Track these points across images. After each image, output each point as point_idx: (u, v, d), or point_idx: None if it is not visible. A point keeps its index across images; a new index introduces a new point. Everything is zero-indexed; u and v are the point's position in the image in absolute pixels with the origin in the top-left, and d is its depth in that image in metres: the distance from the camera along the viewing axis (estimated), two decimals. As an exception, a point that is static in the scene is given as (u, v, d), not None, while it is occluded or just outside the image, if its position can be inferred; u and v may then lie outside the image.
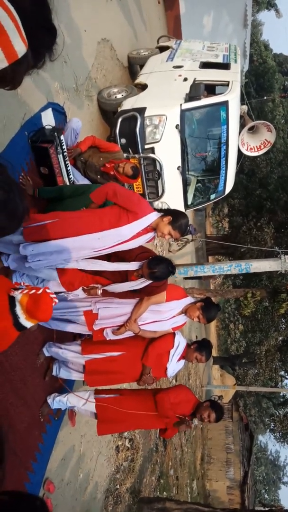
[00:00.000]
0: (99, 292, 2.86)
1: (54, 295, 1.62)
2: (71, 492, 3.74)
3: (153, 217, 2.73)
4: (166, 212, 2.80)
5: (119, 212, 2.65)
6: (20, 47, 0.99)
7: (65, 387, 3.32)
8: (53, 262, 2.66)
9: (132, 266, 2.79)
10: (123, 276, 2.84)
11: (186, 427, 3.16)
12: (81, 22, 4.85)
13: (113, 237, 2.65)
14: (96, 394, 3.24)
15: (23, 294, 1.53)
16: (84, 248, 2.65)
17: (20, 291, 1.54)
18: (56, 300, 1.63)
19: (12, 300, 1.51)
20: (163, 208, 5.23)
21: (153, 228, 2.77)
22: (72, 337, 3.42)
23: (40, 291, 1.56)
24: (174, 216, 2.75)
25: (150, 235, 2.81)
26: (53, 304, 1.61)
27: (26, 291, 1.54)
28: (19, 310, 1.51)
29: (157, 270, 2.70)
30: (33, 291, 1.54)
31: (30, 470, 2.99)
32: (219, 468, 15.33)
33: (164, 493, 7.56)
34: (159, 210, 2.85)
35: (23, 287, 1.58)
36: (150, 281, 2.77)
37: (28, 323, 1.55)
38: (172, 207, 4.94)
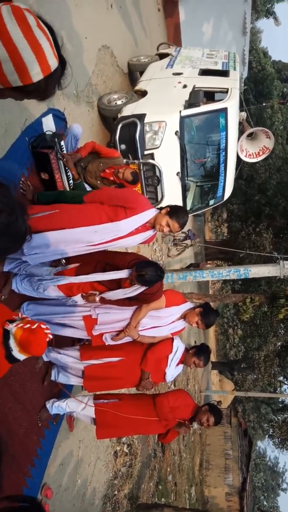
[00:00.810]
0: (97, 299, 2.87)
1: (49, 331, 1.61)
2: (69, 498, 3.73)
3: (152, 213, 2.74)
4: (166, 206, 2.82)
5: (117, 208, 2.66)
6: (53, 62, 1.12)
7: (65, 391, 3.32)
8: (49, 256, 2.66)
9: (124, 274, 2.78)
10: (118, 284, 2.85)
11: (185, 429, 3.16)
12: (82, 29, 4.91)
13: (110, 231, 2.65)
14: (95, 399, 3.24)
15: (17, 328, 1.52)
16: (81, 241, 2.65)
17: (15, 324, 1.53)
18: (51, 336, 1.62)
19: (6, 333, 1.51)
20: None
21: (153, 226, 2.77)
22: (71, 342, 3.42)
23: (35, 325, 1.54)
24: (172, 208, 2.76)
25: (150, 233, 2.81)
26: (47, 339, 1.60)
27: (21, 324, 1.53)
28: (12, 343, 1.50)
29: (145, 272, 2.66)
30: (28, 325, 1.53)
31: (28, 475, 2.98)
32: (217, 474, 15.25)
33: (162, 499, 7.51)
34: (159, 208, 2.87)
35: (20, 318, 1.57)
36: (143, 288, 2.74)
37: (20, 356, 1.55)
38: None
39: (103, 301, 2.88)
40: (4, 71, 1.05)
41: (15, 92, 1.11)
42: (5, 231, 1.07)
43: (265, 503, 33.78)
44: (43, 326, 1.58)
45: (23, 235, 1.14)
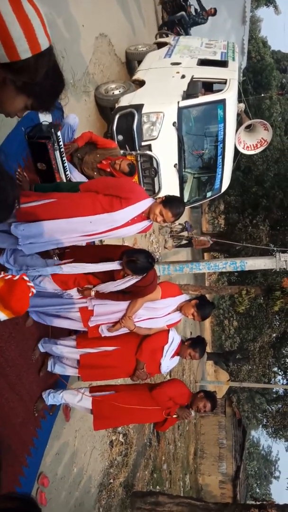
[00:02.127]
0: (93, 293, 2.87)
1: (32, 284, 1.51)
2: (65, 486, 3.78)
3: (147, 203, 2.72)
4: (162, 196, 2.81)
5: (112, 198, 2.64)
6: (44, 41, 1.06)
7: (62, 380, 3.35)
8: (44, 245, 2.65)
9: (116, 265, 2.77)
10: (113, 277, 2.85)
11: (187, 413, 3.21)
12: (80, 17, 4.83)
13: (105, 221, 2.63)
14: (92, 392, 3.27)
15: None
16: (75, 231, 2.63)
17: None
18: (34, 290, 1.51)
19: None
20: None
21: (149, 216, 2.75)
22: (68, 333, 3.43)
23: (17, 277, 1.46)
24: (167, 197, 2.75)
25: (146, 223, 2.80)
26: (30, 294, 1.49)
27: (1, 276, 1.45)
28: None
29: (135, 258, 2.65)
30: (9, 276, 1.45)
31: (24, 465, 3.02)
32: (211, 463, 15.49)
33: (157, 487, 7.64)
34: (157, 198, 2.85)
35: (1, 275, 1.47)
36: (135, 280, 2.74)
37: (1, 315, 1.45)
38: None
39: (99, 295, 2.88)
40: None
41: (5, 71, 1.06)
42: None
43: (258, 490, 34.45)
44: (25, 278, 1.48)
45: (10, 204, 1.11)
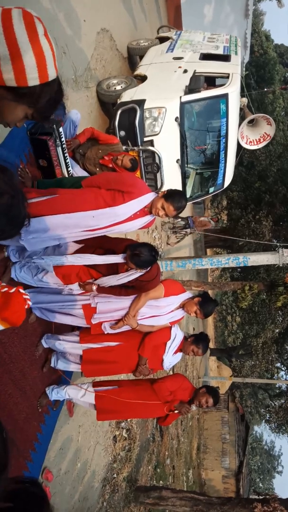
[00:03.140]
0: (94, 288, 2.87)
1: (28, 297, 1.52)
2: (69, 481, 3.81)
3: (150, 197, 2.72)
4: (164, 191, 2.80)
5: (114, 193, 2.64)
6: (52, 72, 1.13)
7: (64, 377, 3.36)
8: (47, 240, 2.65)
9: (119, 258, 2.76)
10: (115, 270, 2.84)
11: (186, 409, 3.22)
12: (81, 12, 4.80)
13: (108, 216, 2.63)
14: (95, 387, 3.28)
15: None
16: (78, 226, 2.64)
17: None
18: (29, 302, 1.53)
19: None
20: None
21: (151, 210, 2.75)
22: (71, 329, 3.44)
23: (13, 290, 1.47)
24: (169, 191, 2.74)
25: (148, 218, 2.79)
26: (26, 306, 1.51)
27: None
28: None
29: (138, 251, 2.65)
30: (6, 289, 1.47)
31: (28, 460, 3.04)
32: (214, 458, 15.57)
33: (161, 482, 7.68)
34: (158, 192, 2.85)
35: None
36: (138, 274, 2.74)
37: None
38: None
39: (101, 290, 2.88)
40: (1, 67, 1.05)
41: (7, 92, 1.11)
42: (5, 213, 1.08)
43: (260, 485, 34.62)
44: (21, 290, 1.50)
45: (21, 220, 1.15)
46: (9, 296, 1.46)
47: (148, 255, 2.68)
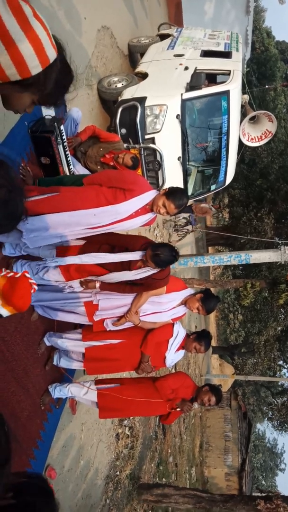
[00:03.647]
0: (97, 285, 2.86)
1: (34, 281, 1.52)
2: (72, 478, 3.82)
3: (151, 195, 2.71)
4: (165, 188, 2.79)
5: (115, 191, 2.63)
6: (51, 53, 1.08)
7: (67, 375, 3.37)
8: (48, 238, 2.64)
9: (137, 255, 2.76)
10: (126, 267, 2.83)
11: (188, 407, 3.22)
12: (81, 9, 4.78)
13: (109, 214, 2.63)
14: (97, 384, 3.28)
15: (0, 276, 1.44)
16: (79, 224, 2.63)
17: None
18: (35, 287, 1.52)
19: None
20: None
21: (152, 208, 2.75)
22: (73, 327, 3.45)
23: (19, 275, 1.47)
24: (170, 189, 2.74)
25: (150, 215, 2.79)
26: (32, 291, 1.50)
27: (3, 273, 1.46)
28: None
29: (160, 252, 2.65)
30: (11, 274, 1.46)
31: (32, 457, 3.05)
32: (217, 456, 15.58)
33: (163, 479, 7.70)
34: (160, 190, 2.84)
35: (4, 272, 1.48)
36: (152, 271, 2.74)
37: (4, 311, 1.45)
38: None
39: (105, 287, 2.87)
40: (2, 64, 1.01)
41: (13, 86, 1.07)
42: (2, 207, 1.06)
43: (263, 482, 34.68)
44: (27, 275, 1.49)
45: (18, 216, 1.13)
46: (15, 281, 1.45)
47: (169, 255, 2.69)
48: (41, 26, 1.04)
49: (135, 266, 2.80)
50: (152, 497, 5.70)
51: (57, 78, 1.15)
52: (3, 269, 1.48)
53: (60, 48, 1.15)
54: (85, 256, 2.74)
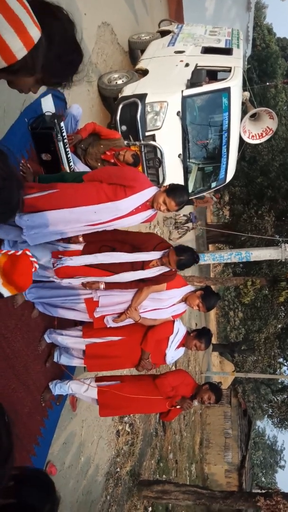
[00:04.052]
0: (102, 286, 2.85)
1: (35, 259, 1.52)
2: (72, 475, 3.83)
3: (152, 191, 2.71)
4: (166, 185, 2.79)
5: (116, 187, 2.63)
6: (35, 32, 1.00)
7: (67, 372, 3.37)
8: (48, 235, 2.64)
9: (153, 255, 2.79)
10: (137, 267, 2.83)
11: (188, 405, 3.23)
12: (81, 5, 4.76)
13: (110, 211, 2.63)
14: (97, 382, 3.29)
15: (1, 255, 1.44)
16: (79, 221, 2.63)
17: None
18: (36, 265, 1.51)
19: None
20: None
21: (153, 205, 2.75)
22: (73, 324, 3.45)
23: (20, 252, 1.46)
24: (171, 185, 2.74)
25: (150, 212, 2.79)
26: (33, 269, 1.49)
27: (4, 251, 1.46)
28: None
29: (185, 257, 2.74)
30: (12, 252, 1.46)
31: (32, 453, 3.06)
32: (217, 452, 15.62)
33: (164, 476, 7.73)
34: (159, 186, 2.84)
35: (4, 250, 1.49)
36: (165, 270, 2.81)
37: (4, 290, 1.44)
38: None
39: (109, 286, 2.87)
40: None
41: (1, 74, 1.02)
42: None
43: (263, 479, 34.80)
44: (28, 253, 1.48)
45: (14, 206, 1.08)
46: (16, 259, 1.44)
47: (191, 259, 2.79)
48: (20, 5, 0.96)
49: (149, 265, 2.82)
50: (152, 494, 5.72)
51: (60, 54, 1.08)
52: (3, 248, 1.48)
53: (69, 23, 1.09)
54: (102, 255, 2.75)
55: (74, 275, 2.83)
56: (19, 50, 0.98)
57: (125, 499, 5.34)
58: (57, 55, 1.08)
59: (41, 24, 1.03)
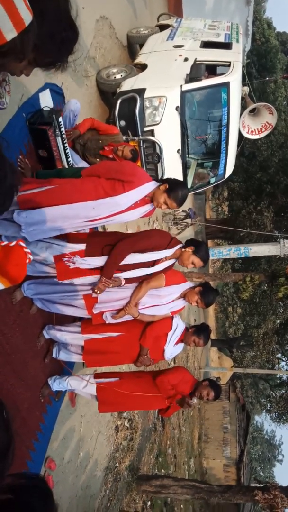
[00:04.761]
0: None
1: (29, 251, 1.46)
2: (71, 470, 3.85)
3: (150, 186, 2.70)
4: (164, 180, 2.77)
5: (114, 182, 2.61)
6: (26, 15, 0.96)
7: (66, 368, 3.37)
8: (47, 231, 2.63)
9: (167, 253, 2.82)
10: (149, 265, 2.84)
11: (187, 405, 3.24)
12: (79, -1, 4.72)
13: (108, 206, 2.61)
14: (96, 378, 3.29)
15: None
16: (78, 217, 2.62)
17: None
18: (31, 257, 1.45)
19: None
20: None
21: (151, 199, 2.74)
22: (72, 320, 3.44)
23: (13, 243, 1.41)
24: (171, 184, 2.72)
25: (148, 207, 2.78)
26: (27, 260, 1.43)
27: None
28: None
29: (204, 252, 2.91)
30: (5, 243, 1.41)
31: (31, 449, 3.07)
32: (216, 447, 15.72)
33: (162, 470, 7.77)
34: (159, 180, 2.82)
35: None
36: (173, 262, 2.91)
37: None
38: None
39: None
40: None
41: None
42: None
43: (261, 473, 35.07)
44: (22, 244, 1.43)
45: (6, 189, 1.03)
46: (10, 250, 1.40)
47: (207, 256, 2.96)
48: None
49: (160, 260, 2.85)
50: (151, 488, 5.76)
51: (53, 31, 1.03)
52: None
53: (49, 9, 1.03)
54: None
55: (78, 275, 2.82)
56: (9, 31, 0.94)
57: (124, 494, 5.37)
58: (50, 32, 1.04)
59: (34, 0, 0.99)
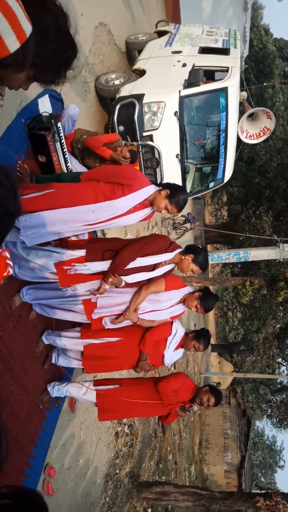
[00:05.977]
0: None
1: (11, 262, 1.39)
2: (71, 477, 3.81)
3: (150, 190, 2.70)
4: (165, 185, 2.78)
5: (114, 186, 2.61)
6: (27, 26, 0.97)
7: (66, 373, 3.35)
8: (46, 235, 2.62)
9: (167, 256, 2.84)
10: (148, 268, 2.85)
11: (186, 413, 3.22)
12: (78, 5, 4.75)
13: (108, 210, 2.61)
14: (96, 385, 3.27)
15: None
16: (77, 221, 2.62)
17: None
18: (11, 270, 1.38)
19: None
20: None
21: (151, 203, 2.74)
22: (71, 325, 3.43)
23: None
24: (172, 190, 2.72)
25: (148, 210, 2.78)
26: (5, 273, 1.36)
27: None
28: None
29: (202, 258, 2.93)
30: None
31: (31, 456, 3.03)
32: (216, 453, 15.62)
33: (163, 477, 7.71)
34: (158, 184, 2.83)
35: None
36: (172, 267, 2.93)
37: None
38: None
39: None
40: None
41: None
42: None
43: (262, 479, 34.80)
44: (6, 254, 1.36)
45: (9, 214, 1.01)
46: None
47: (206, 263, 3.02)
48: None
49: (160, 265, 2.86)
50: (151, 495, 5.70)
51: (55, 52, 1.05)
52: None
53: (62, 15, 1.06)
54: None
55: (79, 281, 2.81)
56: (12, 43, 0.94)
57: (124, 501, 5.32)
58: (52, 52, 1.05)
59: (33, 18, 1.00)
